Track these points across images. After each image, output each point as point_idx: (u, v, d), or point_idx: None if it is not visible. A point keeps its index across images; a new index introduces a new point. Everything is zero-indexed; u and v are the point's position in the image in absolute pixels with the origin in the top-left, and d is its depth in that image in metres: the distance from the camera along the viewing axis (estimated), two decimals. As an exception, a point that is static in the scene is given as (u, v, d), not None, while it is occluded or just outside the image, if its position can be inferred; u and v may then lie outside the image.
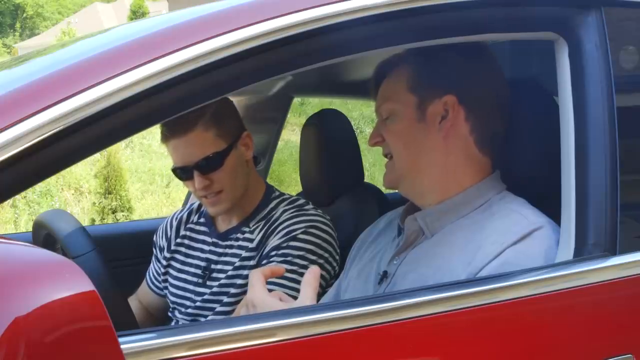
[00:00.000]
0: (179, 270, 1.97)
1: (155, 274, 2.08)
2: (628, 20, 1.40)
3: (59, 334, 0.74)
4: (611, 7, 1.33)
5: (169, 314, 2.00)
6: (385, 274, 1.41)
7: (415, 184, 1.42)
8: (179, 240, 2.00)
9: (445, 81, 1.39)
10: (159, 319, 2.11)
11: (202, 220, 2.00)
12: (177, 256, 1.99)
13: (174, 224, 2.04)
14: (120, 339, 0.81)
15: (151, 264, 2.12)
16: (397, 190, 1.47)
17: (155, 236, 2.10)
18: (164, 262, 2.02)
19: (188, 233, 2.00)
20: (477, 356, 1.14)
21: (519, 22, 1.31)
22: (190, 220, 2.02)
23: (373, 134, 1.45)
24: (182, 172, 1.81)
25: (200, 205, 2.03)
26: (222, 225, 1.94)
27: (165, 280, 2.01)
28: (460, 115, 1.38)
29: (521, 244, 1.26)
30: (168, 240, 2.03)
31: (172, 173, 1.87)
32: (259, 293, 1.18)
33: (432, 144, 1.39)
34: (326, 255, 1.82)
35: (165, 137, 1.80)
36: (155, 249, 2.08)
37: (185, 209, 2.08)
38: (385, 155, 1.45)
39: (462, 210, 1.37)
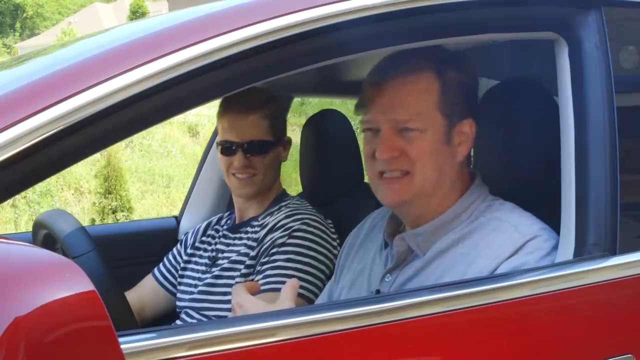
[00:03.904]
0: (195, 263, 2.09)
1: (171, 268, 2.15)
2: (628, 20, 1.40)
3: (59, 334, 0.74)
4: (611, 7, 1.33)
5: (177, 309, 2.05)
6: (378, 293, 1.39)
7: (424, 205, 1.36)
8: (203, 238, 2.12)
9: (466, 103, 1.36)
10: (148, 319, 2.13)
11: (229, 222, 2.11)
12: (197, 252, 2.11)
13: (203, 226, 2.16)
14: (120, 339, 0.81)
15: (164, 261, 2.18)
16: (399, 207, 1.39)
17: (185, 234, 2.21)
18: (185, 257, 2.11)
19: (212, 232, 2.12)
20: (477, 356, 1.14)
21: (519, 22, 1.31)
22: (218, 224, 2.14)
23: (390, 147, 1.32)
24: (228, 147, 1.95)
25: (229, 213, 2.16)
26: (237, 219, 2.07)
27: (182, 276, 2.09)
28: (472, 139, 1.37)
29: (515, 257, 1.24)
30: (194, 239, 2.14)
31: (218, 146, 2.00)
32: (244, 295, 1.23)
33: (449, 166, 1.35)
34: (324, 250, 1.88)
35: (226, 112, 1.95)
36: (181, 245, 2.17)
37: (217, 216, 2.22)
38: (393, 171, 1.34)
39: (450, 225, 1.35)
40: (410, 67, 1.34)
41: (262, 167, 1.95)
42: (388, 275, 1.38)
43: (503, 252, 1.25)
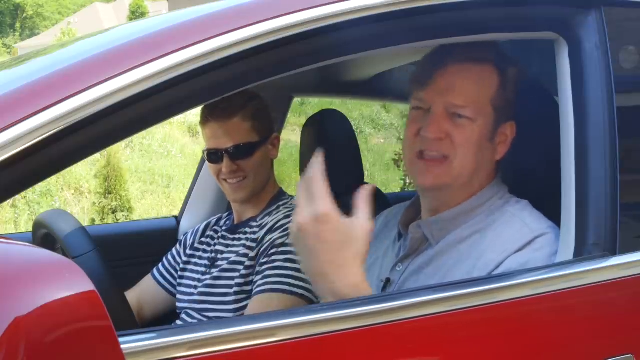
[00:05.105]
0: (195, 264, 2.08)
1: (170, 269, 2.15)
2: (628, 20, 1.40)
3: (59, 334, 0.74)
4: (611, 7, 1.33)
5: (177, 310, 2.05)
6: (388, 281, 1.39)
7: (453, 193, 1.37)
8: (202, 239, 2.11)
9: (514, 105, 1.37)
10: (147, 319, 2.13)
11: (227, 223, 2.10)
12: (196, 253, 2.10)
13: (202, 227, 2.15)
14: (120, 339, 0.81)
15: (164, 261, 2.17)
16: (432, 191, 1.39)
17: (185, 234, 2.20)
18: (184, 258, 2.11)
19: (211, 233, 2.11)
20: (478, 356, 1.14)
21: (519, 22, 1.31)
22: (217, 224, 2.13)
23: (438, 127, 1.32)
24: (214, 155, 1.94)
25: (228, 213, 2.14)
26: (235, 220, 2.05)
27: (182, 277, 2.08)
28: (510, 141, 1.38)
29: (522, 252, 1.26)
30: (193, 240, 2.13)
31: (205, 154, 2.00)
32: (330, 205, 1.10)
33: (486, 162, 1.37)
34: None
35: (206, 120, 1.93)
36: (180, 246, 2.16)
37: (216, 216, 2.20)
38: (433, 152, 1.34)
39: (466, 217, 1.36)
40: (476, 55, 1.35)
41: (251, 169, 1.93)
42: (400, 264, 1.39)
43: (511, 246, 1.26)
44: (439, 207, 1.39)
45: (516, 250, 1.26)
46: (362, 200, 1.12)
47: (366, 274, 1.47)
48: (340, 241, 1.09)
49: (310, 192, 1.11)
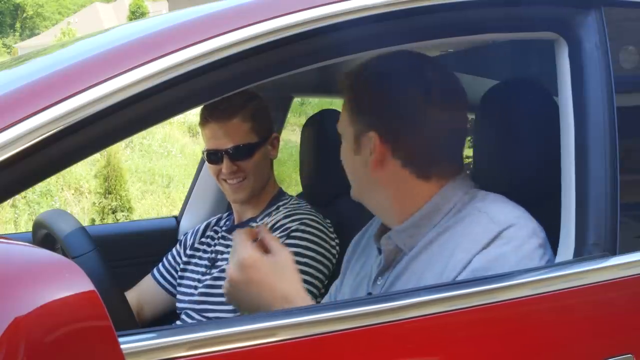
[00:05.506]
0: (195, 264, 2.08)
1: (170, 269, 2.15)
2: (628, 20, 1.40)
3: (59, 334, 0.74)
4: (611, 7, 1.33)
5: (177, 310, 2.05)
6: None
7: (370, 206, 1.43)
8: (203, 239, 2.12)
9: (371, 114, 1.34)
10: (147, 319, 2.14)
11: (227, 223, 2.10)
12: (196, 253, 2.10)
13: (202, 227, 2.16)
14: (120, 339, 0.81)
15: (164, 261, 2.18)
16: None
17: (185, 234, 2.20)
18: (184, 259, 2.11)
19: (211, 233, 2.11)
20: (477, 356, 1.14)
21: (519, 22, 1.31)
22: (217, 224, 2.14)
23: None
24: (213, 155, 1.94)
25: (228, 213, 2.15)
26: (235, 220, 2.06)
27: (182, 277, 2.09)
28: (386, 152, 1.33)
29: (489, 249, 1.22)
30: (193, 240, 2.14)
31: (204, 154, 2.02)
32: (250, 249, 1.21)
33: (367, 177, 1.37)
34: (322, 250, 1.88)
35: (205, 120, 1.94)
36: (180, 246, 2.17)
37: (216, 217, 2.21)
38: None
39: (433, 218, 1.32)
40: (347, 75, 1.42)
41: (251, 169, 1.94)
42: (380, 277, 1.37)
43: (478, 243, 1.23)
44: (386, 223, 1.41)
45: (483, 247, 1.23)
46: (266, 238, 1.25)
47: (358, 286, 1.47)
48: (272, 276, 1.20)
49: (233, 251, 1.24)
